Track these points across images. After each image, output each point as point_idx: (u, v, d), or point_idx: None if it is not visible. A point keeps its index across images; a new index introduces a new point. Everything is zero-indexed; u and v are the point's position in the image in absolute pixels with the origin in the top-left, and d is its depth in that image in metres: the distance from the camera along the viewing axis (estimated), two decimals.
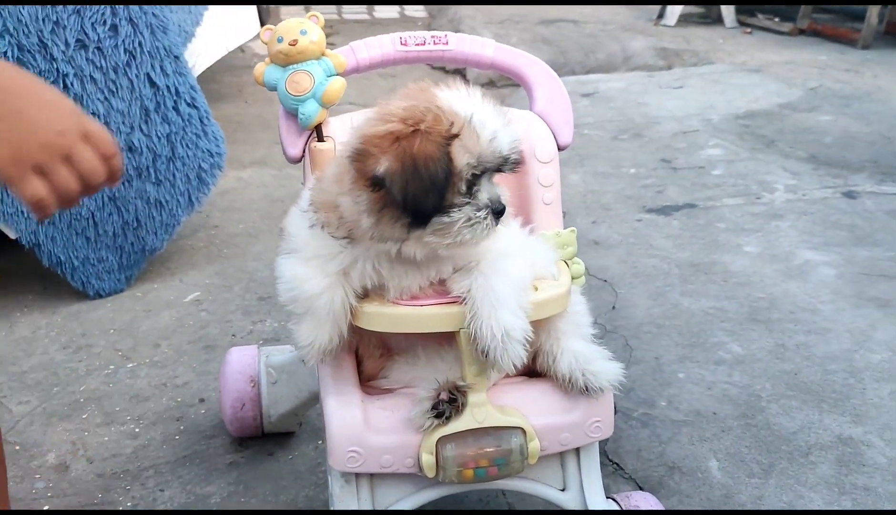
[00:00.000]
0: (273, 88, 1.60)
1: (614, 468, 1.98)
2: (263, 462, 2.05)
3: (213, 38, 4.05)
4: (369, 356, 1.55)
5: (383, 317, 1.41)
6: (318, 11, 1.63)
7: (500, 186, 1.38)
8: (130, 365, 2.47)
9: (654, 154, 4.12)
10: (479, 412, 1.44)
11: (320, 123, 1.60)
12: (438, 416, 1.43)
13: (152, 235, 2.90)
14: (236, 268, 3.08)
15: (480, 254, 1.44)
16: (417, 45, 1.71)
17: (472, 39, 1.75)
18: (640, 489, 1.90)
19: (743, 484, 1.88)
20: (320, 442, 2.12)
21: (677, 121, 4.62)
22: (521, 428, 1.46)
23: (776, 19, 7.27)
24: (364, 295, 1.44)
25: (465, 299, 1.39)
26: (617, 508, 1.60)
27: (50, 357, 2.51)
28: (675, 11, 7.36)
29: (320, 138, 1.61)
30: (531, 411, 1.50)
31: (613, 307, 2.71)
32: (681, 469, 1.95)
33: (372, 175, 1.29)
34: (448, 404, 1.43)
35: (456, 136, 1.29)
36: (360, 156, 1.31)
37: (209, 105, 2.99)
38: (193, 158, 2.91)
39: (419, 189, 1.27)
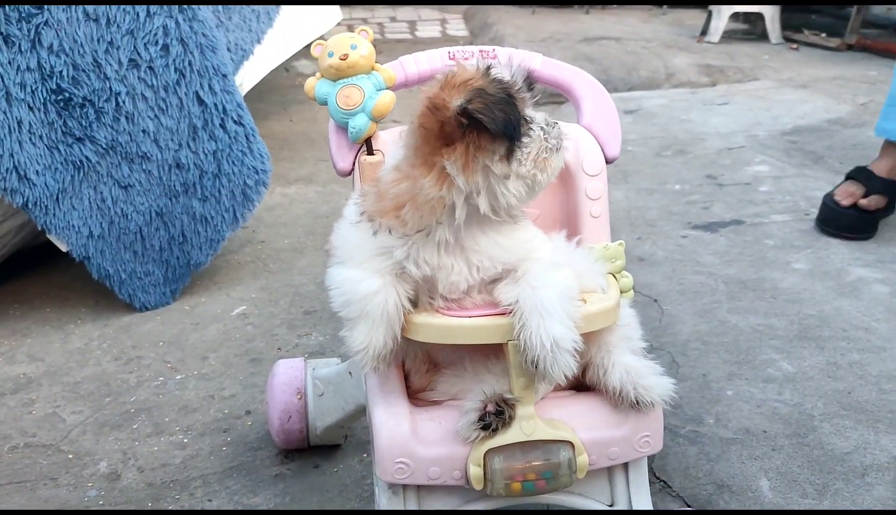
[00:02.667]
0: (324, 103, 1.63)
1: (661, 485, 1.95)
2: (309, 475, 2.06)
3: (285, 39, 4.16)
4: (416, 371, 1.56)
5: (431, 328, 1.42)
6: (369, 28, 1.65)
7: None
8: (179, 377, 2.51)
9: (699, 171, 4.07)
10: (528, 425, 1.44)
11: (370, 137, 1.62)
12: (485, 428, 1.43)
13: (197, 250, 2.95)
14: (282, 282, 3.11)
15: (526, 259, 1.44)
16: (465, 59, 1.72)
17: (520, 53, 1.76)
18: (689, 507, 1.87)
19: (796, 505, 1.84)
20: (366, 455, 2.12)
21: (722, 137, 4.57)
22: (570, 442, 1.45)
23: (823, 35, 7.17)
24: (414, 305, 1.45)
25: (512, 311, 1.39)
26: None
27: (102, 369, 2.56)
28: (718, 28, 7.30)
29: (370, 152, 1.63)
30: (579, 424, 1.48)
31: (659, 324, 2.67)
32: (730, 488, 1.91)
33: (454, 113, 1.33)
34: (495, 416, 1.43)
35: (488, 70, 1.37)
36: (433, 110, 1.36)
37: (256, 123, 3.04)
38: (239, 175, 2.96)
39: (502, 104, 1.33)
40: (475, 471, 1.43)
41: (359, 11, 9.11)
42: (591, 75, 1.78)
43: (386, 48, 7.12)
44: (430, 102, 1.37)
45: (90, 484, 2.05)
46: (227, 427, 2.26)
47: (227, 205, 2.96)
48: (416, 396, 1.57)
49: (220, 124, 2.91)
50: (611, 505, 1.56)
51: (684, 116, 5.08)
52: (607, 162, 1.74)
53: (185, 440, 2.21)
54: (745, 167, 4.08)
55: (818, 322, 2.58)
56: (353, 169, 1.67)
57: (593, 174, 1.70)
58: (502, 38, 7.13)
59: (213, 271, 3.14)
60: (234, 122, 2.94)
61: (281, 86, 6.06)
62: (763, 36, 7.35)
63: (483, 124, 1.32)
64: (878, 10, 7.22)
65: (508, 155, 1.36)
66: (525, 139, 1.37)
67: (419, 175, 1.39)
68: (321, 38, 1.69)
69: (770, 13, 7.25)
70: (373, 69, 1.62)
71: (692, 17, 8.09)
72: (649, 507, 1.55)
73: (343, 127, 1.62)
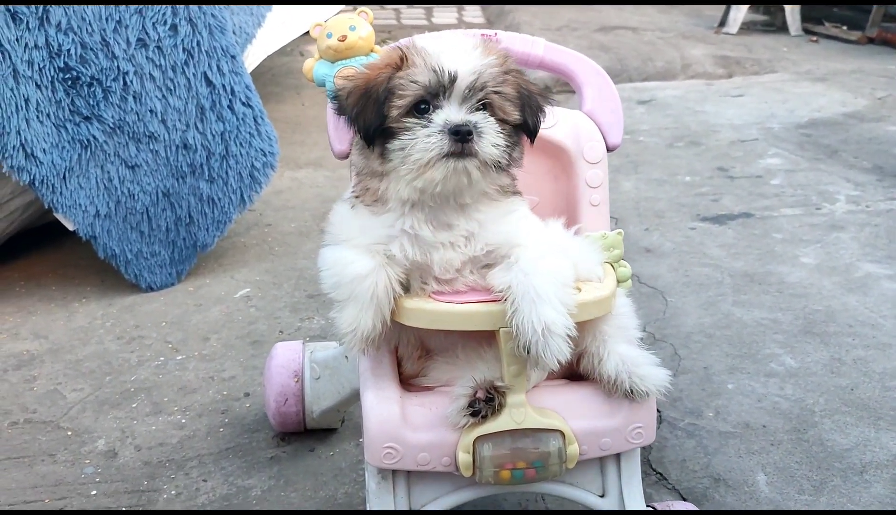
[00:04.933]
0: (322, 84, 1.61)
1: (658, 477, 1.94)
2: (304, 458, 2.06)
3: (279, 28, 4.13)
4: (408, 357, 1.55)
5: (423, 313, 1.41)
6: (369, 9, 1.63)
7: (484, 114, 1.38)
8: (180, 358, 2.51)
9: (711, 163, 4.03)
10: (518, 413, 1.43)
11: None
12: (475, 414, 1.42)
13: (204, 231, 2.95)
14: (287, 266, 3.11)
15: (519, 245, 1.43)
16: None
17: (523, 38, 1.74)
18: (684, 500, 1.85)
19: (792, 501, 1.82)
20: (361, 440, 2.10)
21: (735, 129, 4.52)
22: (560, 431, 1.44)
23: (844, 28, 7.08)
24: (406, 290, 1.44)
25: (505, 297, 1.37)
26: None
27: (104, 347, 2.57)
28: (737, 19, 7.22)
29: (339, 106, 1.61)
30: (571, 414, 1.47)
31: (663, 315, 2.65)
32: (726, 482, 1.90)
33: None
34: (485, 402, 1.42)
35: (399, 65, 1.40)
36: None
37: (268, 107, 3.03)
38: (247, 157, 2.95)
39: (362, 107, 1.40)
40: (464, 458, 1.42)
41: None
42: (593, 61, 1.76)
43: (402, 34, 7.08)
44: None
45: (87, 461, 2.06)
46: (226, 409, 2.27)
47: (235, 187, 2.96)
48: (408, 382, 1.56)
49: (229, 106, 2.90)
50: (602, 496, 1.55)
51: (698, 108, 5.03)
52: (609, 150, 1.72)
53: (183, 421, 2.21)
54: (758, 160, 4.04)
55: (824, 318, 2.56)
56: (350, 151, 1.66)
57: (594, 162, 1.68)
58: (518, 25, 7.09)
59: (218, 253, 3.15)
60: (243, 103, 2.93)
61: (295, 69, 6.05)
62: (783, 28, 7.27)
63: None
64: None
65: (382, 154, 1.40)
66: (397, 141, 1.37)
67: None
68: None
69: (790, 5, 7.16)
70: (372, 51, 1.61)
71: (711, 8, 8.00)
72: (640, 499, 1.54)
73: None
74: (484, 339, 1.47)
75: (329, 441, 2.12)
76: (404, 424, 1.44)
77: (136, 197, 2.82)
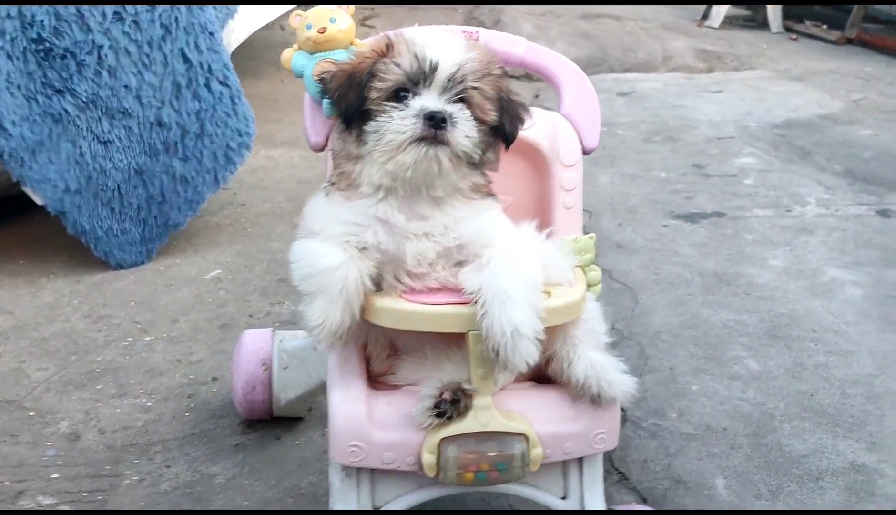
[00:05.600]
0: (299, 75, 1.60)
1: (619, 476, 1.96)
2: (270, 446, 2.06)
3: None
4: (377, 356, 1.55)
5: (393, 313, 1.41)
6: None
7: (461, 107, 1.40)
8: (148, 339, 2.49)
9: (686, 159, 4.06)
10: (484, 415, 1.44)
11: None
12: (440, 415, 1.43)
13: (176, 210, 2.92)
14: (259, 248, 3.09)
15: (490, 243, 1.44)
16: None
17: (504, 37, 1.73)
18: (644, 501, 1.88)
19: (749, 505, 1.86)
20: (327, 430, 2.10)
21: (713, 126, 4.55)
22: (525, 435, 1.45)
23: (824, 27, 7.13)
24: (377, 286, 1.44)
25: (475, 299, 1.38)
26: None
27: (71, 326, 2.55)
28: (720, 13, 7.25)
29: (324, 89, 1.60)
30: (536, 417, 1.49)
31: (632, 313, 2.68)
32: (686, 484, 1.93)
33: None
34: (451, 404, 1.43)
35: (385, 52, 1.43)
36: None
37: (245, 82, 3.00)
38: (222, 137, 2.92)
39: (345, 91, 1.44)
40: (428, 458, 1.43)
41: None
42: (573, 63, 1.76)
43: (385, 11, 7.01)
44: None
45: (49, 443, 2.04)
46: (192, 393, 2.26)
47: (209, 166, 2.92)
48: (376, 379, 1.57)
49: (205, 84, 2.86)
50: (563, 498, 1.57)
51: (677, 102, 5.05)
52: (584, 153, 1.72)
53: (149, 404, 2.20)
54: (733, 158, 4.07)
55: (789, 321, 2.59)
56: (326, 144, 1.65)
57: (569, 164, 1.69)
58: (501, 9, 7.05)
59: (190, 233, 3.12)
60: (220, 82, 2.90)
61: (275, 44, 5.96)
62: (764, 24, 7.30)
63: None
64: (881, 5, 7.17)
65: (358, 136, 1.43)
66: (373, 122, 1.40)
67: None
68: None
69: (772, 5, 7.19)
70: (352, 44, 1.59)
71: None
72: (601, 501, 1.56)
73: (318, 102, 1.60)
74: (453, 340, 1.47)
75: (295, 430, 2.12)
76: (370, 422, 1.45)
77: (107, 173, 2.78)
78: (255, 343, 2.06)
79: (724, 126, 4.56)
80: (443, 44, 1.41)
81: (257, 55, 5.71)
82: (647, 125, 4.58)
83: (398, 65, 1.40)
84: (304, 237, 1.48)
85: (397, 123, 1.38)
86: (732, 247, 3.12)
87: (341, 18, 1.57)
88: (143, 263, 2.93)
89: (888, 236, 3.21)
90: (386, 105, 1.40)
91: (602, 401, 1.48)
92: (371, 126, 1.40)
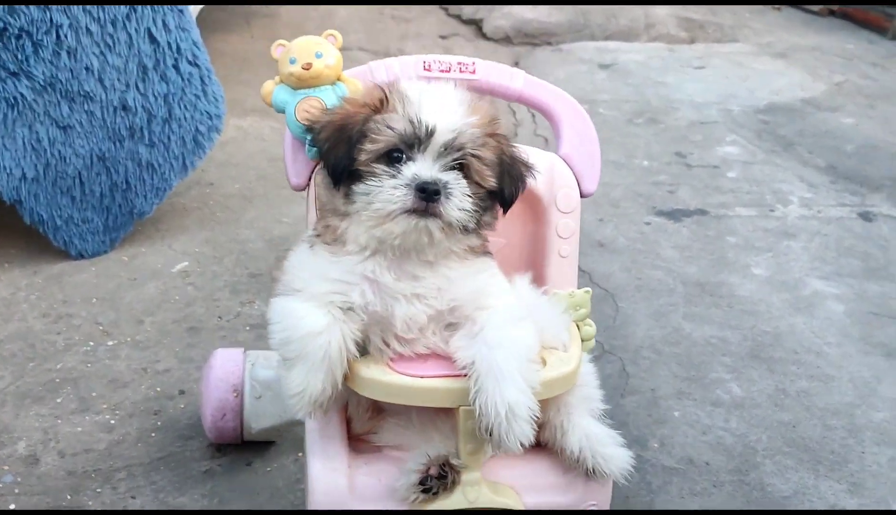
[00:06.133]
0: (281, 111, 1.47)
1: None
2: (240, 473, 1.98)
3: None
4: (358, 418, 1.48)
5: (380, 386, 1.33)
6: (337, 33, 1.48)
7: (456, 175, 1.31)
8: (111, 343, 2.38)
9: (669, 145, 3.98)
10: (472, 491, 1.37)
11: None
12: (426, 492, 1.36)
13: (141, 198, 2.78)
14: (228, 237, 2.96)
15: (484, 308, 1.36)
16: (442, 71, 1.57)
17: (501, 70, 1.62)
18: None
19: None
20: (300, 454, 2.05)
21: (696, 108, 4.46)
22: (514, 511, 1.39)
23: None
24: (361, 349, 1.35)
25: (468, 373, 1.30)
26: None
27: (28, 326, 2.42)
28: None
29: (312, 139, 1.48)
30: (526, 487, 1.43)
31: (614, 322, 2.62)
32: None
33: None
34: (437, 479, 1.36)
35: (378, 108, 1.33)
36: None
37: (214, 39, 2.83)
38: (191, 121, 2.76)
39: (334, 145, 1.33)
40: None
41: None
42: (573, 100, 1.65)
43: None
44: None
45: (6, 467, 1.94)
46: (158, 409, 2.16)
47: (177, 152, 2.77)
48: (357, 438, 1.49)
49: (174, 65, 2.69)
50: None
51: (659, 78, 4.94)
52: (582, 197, 1.63)
53: (112, 422, 2.10)
54: (716, 146, 3.99)
55: (771, 340, 2.56)
56: (307, 185, 1.53)
57: (566, 211, 1.60)
58: None
59: (156, 217, 2.96)
60: (189, 62, 2.73)
61: None
62: None
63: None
64: None
65: (346, 194, 1.34)
66: (362, 185, 1.31)
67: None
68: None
69: None
70: (339, 79, 1.47)
71: None
72: None
73: (301, 141, 1.48)
74: (441, 408, 1.40)
75: (267, 455, 2.04)
76: (351, 496, 1.38)
77: (67, 160, 2.61)
78: (225, 368, 1.96)
79: (707, 109, 4.47)
80: (441, 105, 1.30)
81: (225, 7, 5.45)
82: (631, 105, 4.47)
83: (391, 127, 1.29)
84: (284, 294, 1.38)
85: (388, 192, 1.28)
86: (715, 251, 3.06)
87: (328, 53, 1.44)
88: (105, 252, 2.79)
89: (869, 242, 3.17)
90: (377, 168, 1.29)
91: (597, 476, 1.42)
92: (360, 188, 1.30)
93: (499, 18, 5.77)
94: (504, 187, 1.36)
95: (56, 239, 2.70)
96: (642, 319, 2.65)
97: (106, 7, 2.53)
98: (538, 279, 1.56)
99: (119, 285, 2.64)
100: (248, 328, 2.49)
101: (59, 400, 2.15)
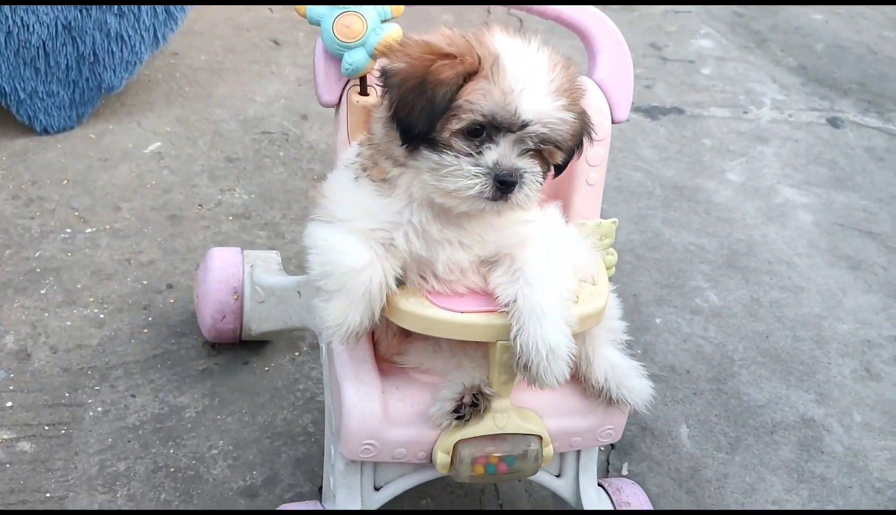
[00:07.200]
0: (316, 24, 1.38)
1: None
2: (238, 372, 1.98)
3: None
4: (386, 340, 1.47)
5: (420, 319, 1.32)
6: None
7: (532, 163, 1.25)
8: (89, 231, 2.29)
9: (644, 36, 3.92)
10: (501, 417, 1.41)
11: (365, 74, 1.40)
12: (459, 418, 1.39)
13: (110, 71, 2.61)
14: (200, 115, 2.83)
15: (523, 241, 1.36)
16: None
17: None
18: (612, 448, 1.95)
19: (710, 457, 1.96)
20: (297, 354, 2.06)
21: None
22: (539, 436, 1.44)
23: None
24: (401, 281, 1.34)
25: (509, 311, 1.31)
26: (607, 497, 1.64)
27: None
28: None
29: (363, 91, 1.42)
30: (549, 412, 1.47)
31: None
32: (652, 432, 2.01)
33: (382, 69, 1.28)
34: (471, 407, 1.39)
35: (475, 73, 1.21)
36: (388, 52, 1.33)
37: None
38: None
39: (412, 102, 1.22)
40: (442, 458, 1.41)
41: None
42: (614, 25, 1.59)
43: None
44: (398, 48, 1.31)
45: None
46: (147, 303, 2.12)
47: (147, 23, 2.59)
48: (383, 359, 1.50)
49: None
50: (558, 475, 1.60)
51: None
52: (613, 123, 1.60)
53: (102, 316, 2.06)
54: (690, 39, 3.96)
55: (746, 249, 2.65)
56: (339, 103, 1.46)
57: (597, 139, 1.57)
58: None
59: (119, 91, 2.79)
60: None
61: None
62: None
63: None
64: None
65: (410, 148, 1.24)
66: (435, 156, 1.22)
67: (376, 117, 1.34)
68: None
69: None
70: None
71: None
72: (594, 481, 1.60)
73: (336, 57, 1.39)
74: None
75: (263, 354, 2.04)
76: (385, 421, 1.39)
77: (30, 28, 2.41)
78: (224, 270, 1.93)
79: None
80: (536, 86, 1.20)
81: None
82: None
83: (481, 110, 1.19)
84: (323, 220, 1.34)
85: (465, 178, 1.20)
86: (692, 154, 3.09)
87: None
88: (72, 127, 2.64)
89: (836, 150, 3.25)
90: (456, 143, 1.21)
91: (618, 405, 1.48)
92: (433, 157, 1.22)
93: None
94: (567, 160, 1.32)
95: (19, 113, 2.53)
96: (623, 221, 2.69)
97: None
98: (566, 207, 1.56)
99: (90, 166, 2.52)
100: (230, 217, 2.43)
101: (42, 292, 2.09)
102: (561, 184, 1.61)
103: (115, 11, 2.50)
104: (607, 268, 1.59)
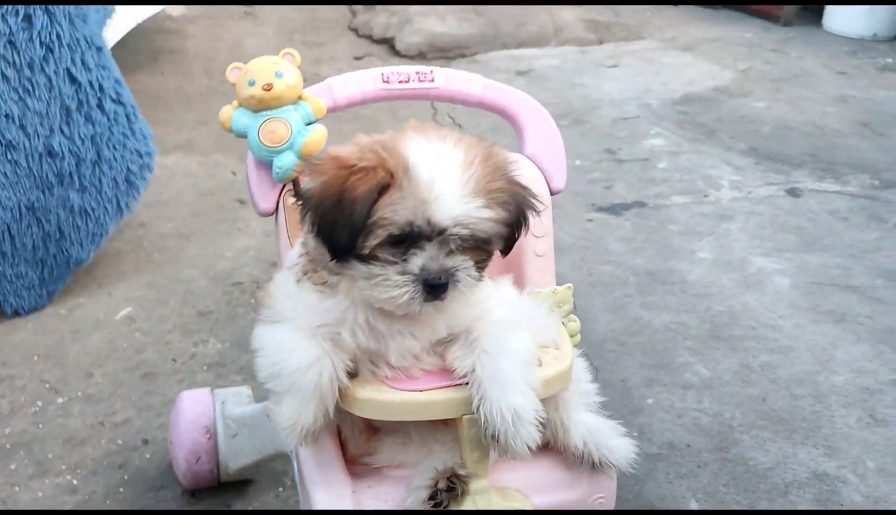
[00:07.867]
0: (242, 135, 1.42)
1: None
2: None
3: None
4: (353, 439, 1.42)
5: (378, 404, 1.28)
6: (295, 51, 1.44)
7: (463, 259, 1.22)
8: (61, 400, 2.25)
9: (598, 143, 4.05)
10: (482, 499, 1.34)
11: (297, 176, 1.43)
12: (437, 506, 1.32)
13: (77, 246, 2.65)
14: (169, 278, 2.86)
15: (476, 319, 1.33)
16: (401, 82, 1.55)
17: (459, 76, 1.61)
18: None
19: None
20: (281, 489, 1.98)
21: (616, 106, 4.56)
22: (524, 512, 1.37)
23: None
24: (353, 373, 1.31)
25: (469, 382, 1.27)
26: None
27: None
28: None
29: (297, 193, 1.44)
30: (534, 489, 1.40)
31: None
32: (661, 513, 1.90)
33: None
34: (447, 492, 1.32)
35: (388, 186, 1.19)
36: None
37: (124, 77, 2.71)
38: (121, 161, 2.66)
39: (332, 220, 1.20)
40: None
41: None
42: (535, 101, 1.66)
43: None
44: (311, 167, 1.27)
45: None
46: (123, 462, 2.05)
47: (110, 195, 2.66)
48: (353, 461, 1.44)
49: (98, 105, 2.58)
50: None
51: (577, 80, 5.03)
52: (552, 194, 1.63)
53: (75, 482, 1.98)
54: (642, 140, 4.09)
55: (728, 320, 2.62)
56: (276, 210, 1.48)
57: (540, 209, 1.59)
58: None
59: (90, 266, 2.82)
60: (113, 100, 2.63)
61: (148, 31, 5.54)
62: None
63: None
64: None
65: (339, 261, 1.23)
66: (364, 267, 1.21)
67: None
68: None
69: None
70: (300, 99, 1.43)
71: None
72: None
73: (266, 164, 1.43)
74: (441, 420, 1.36)
75: (246, 494, 1.96)
76: None
77: None
78: (194, 410, 1.89)
79: (627, 105, 4.57)
80: (452, 191, 1.18)
81: (129, 44, 5.26)
82: (553, 108, 4.49)
83: (399, 220, 1.18)
84: (269, 321, 1.32)
85: (393, 286, 1.20)
86: (660, 240, 3.12)
87: (288, 72, 1.40)
88: (43, 307, 2.65)
89: (800, 217, 3.29)
90: (381, 254, 1.21)
91: (603, 469, 1.41)
92: (361, 268, 1.22)
93: (410, 35, 5.78)
94: (507, 248, 1.33)
95: None
96: (601, 314, 2.68)
97: (21, 50, 2.41)
98: (518, 280, 1.55)
99: (61, 340, 2.51)
100: (205, 367, 2.40)
101: (13, 467, 2.02)
102: (510, 258, 1.61)
103: (77, 187, 2.58)
104: (572, 335, 1.57)
